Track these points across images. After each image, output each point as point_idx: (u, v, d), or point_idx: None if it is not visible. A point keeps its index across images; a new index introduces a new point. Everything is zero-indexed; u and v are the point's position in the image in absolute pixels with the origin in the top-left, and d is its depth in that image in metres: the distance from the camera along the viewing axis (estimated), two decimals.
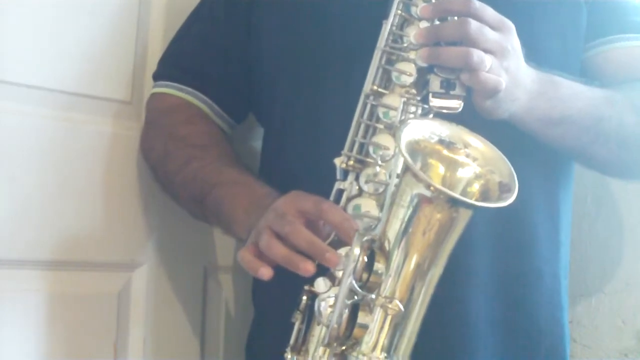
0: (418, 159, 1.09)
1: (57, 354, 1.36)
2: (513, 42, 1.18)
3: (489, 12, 1.16)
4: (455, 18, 1.15)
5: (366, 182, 1.16)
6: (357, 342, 1.07)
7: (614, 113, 1.32)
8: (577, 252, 1.47)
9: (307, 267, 1.09)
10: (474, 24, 1.13)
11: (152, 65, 1.54)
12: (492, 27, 1.15)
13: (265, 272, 1.13)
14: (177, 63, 1.52)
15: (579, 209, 1.54)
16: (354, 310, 1.07)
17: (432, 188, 1.03)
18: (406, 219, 1.06)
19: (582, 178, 1.46)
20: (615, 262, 1.68)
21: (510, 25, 1.18)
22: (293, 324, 1.16)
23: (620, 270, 1.67)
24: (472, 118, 1.15)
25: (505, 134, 1.17)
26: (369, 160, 1.16)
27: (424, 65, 1.15)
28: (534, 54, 1.23)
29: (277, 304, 1.30)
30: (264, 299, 1.46)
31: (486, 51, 1.13)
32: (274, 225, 1.14)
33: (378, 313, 1.07)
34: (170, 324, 1.56)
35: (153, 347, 1.51)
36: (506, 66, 1.16)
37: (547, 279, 1.36)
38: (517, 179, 1.08)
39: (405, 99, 1.16)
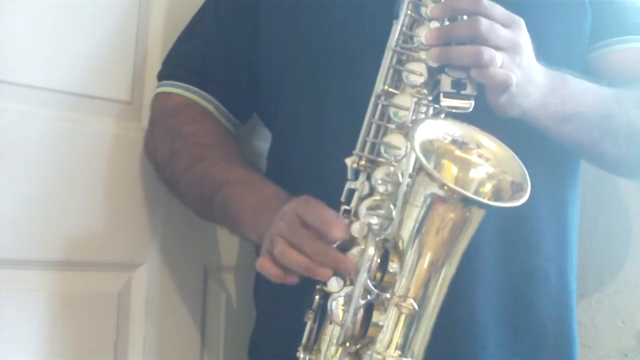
0: (431, 158, 1.10)
1: (58, 353, 1.35)
2: (524, 38, 1.18)
3: (498, 9, 1.16)
4: (465, 17, 1.16)
5: (378, 181, 1.16)
6: (372, 340, 1.08)
7: (622, 110, 1.33)
8: (577, 252, 1.48)
9: (324, 273, 1.10)
10: (484, 21, 1.13)
11: (152, 65, 1.54)
12: (502, 24, 1.15)
13: (293, 280, 1.14)
14: (182, 62, 1.52)
15: (579, 209, 1.54)
16: (369, 309, 1.08)
17: (445, 187, 1.04)
18: (419, 219, 1.07)
19: (583, 178, 1.46)
20: (615, 262, 1.69)
21: (520, 21, 1.18)
22: (304, 323, 1.16)
23: (620, 270, 1.68)
24: (482, 117, 1.15)
25: (512, 132, 1.18)
26: (380, 160, 1.16)
27: (435, 65, 1.15)
28: (540, 55, 1.23)
29: (280, 305, 1.31)
30: (266, 299, 1.46)
31: (497, 48, 1.13)
32: (284, 233, 1.14)
33: (392, 312, 1.08)
34: (170, 324, 1.55)
35: (153, 347, 1.51)
36: (518, 62, 1.16)
37: (553, 278, 1.36)
38: None
39: (416, 99, 1.16)
